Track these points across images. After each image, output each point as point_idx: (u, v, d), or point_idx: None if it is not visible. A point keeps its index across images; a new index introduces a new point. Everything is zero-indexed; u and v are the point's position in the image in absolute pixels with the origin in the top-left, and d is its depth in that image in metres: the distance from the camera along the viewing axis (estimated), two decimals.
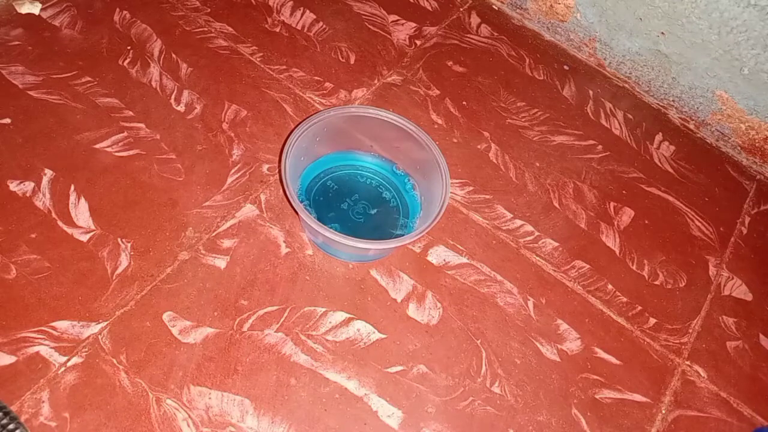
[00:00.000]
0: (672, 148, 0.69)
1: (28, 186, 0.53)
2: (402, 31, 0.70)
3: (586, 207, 0.62)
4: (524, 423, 0.49)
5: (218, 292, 0.50)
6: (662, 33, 0.67)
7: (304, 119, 0.51)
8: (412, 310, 0.52)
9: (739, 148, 0.70)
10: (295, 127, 0.51)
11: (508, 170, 0.62)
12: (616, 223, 0.61)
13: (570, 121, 0.68)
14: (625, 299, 0.57)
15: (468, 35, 0.72)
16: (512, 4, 0.76)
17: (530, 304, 0.55)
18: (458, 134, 0.64)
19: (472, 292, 0.54)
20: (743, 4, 0.59)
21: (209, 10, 0.67)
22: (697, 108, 0.70)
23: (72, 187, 0.53)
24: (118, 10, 0.65)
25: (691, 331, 0.56)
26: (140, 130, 0.57)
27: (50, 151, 0.55)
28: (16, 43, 0.60)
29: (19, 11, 0.62)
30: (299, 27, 0.68)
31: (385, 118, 0.53)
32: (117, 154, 0.56)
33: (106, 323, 0.47)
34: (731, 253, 0.62)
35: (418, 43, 0.70)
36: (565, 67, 0.73)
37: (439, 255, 0.56)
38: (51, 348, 0.46)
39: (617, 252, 0.59)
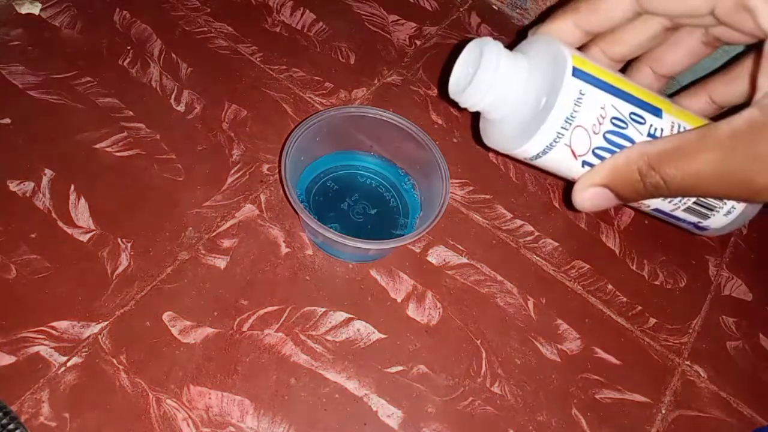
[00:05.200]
0: None
1: (28, 186, 0.53)
2: (402, 31, 0.70)
3: None
4: (524, 423, 0.49)
5: (218, 292, 0.50)
6: None
7: (304, 119, 0.51)
8: (412, 310, 0.52)
9: None
10: (295, 127, 0.51)
11: (508, 170, 0.62)
12: (616, 223, 0.61)
13: None
14: (625, 299, 0.57)
15: (468, 35, 0.72)
16: (512, 4, 0.76)
17: (530, 304, 0.55)
18: (458, 134, 0.64)
19: (472, 292, 0.54)
20: None
21: (209, 10, 0.67)
22: None
23: (72, 187, 0.53)
24: (118, 10, 0.65)
25: (691, 331, 0.56)
26: (140, 130, 0.57)
27: (50, 151, 0.55)
28: (16, 43, 0.60)
29: (19, 11, 0.62)
30: (299, 27, 0.68)
31: (385, 118, 0.53)
32: (117, 154, 0.56)
33: (106, 323, 0.47)
34: (731, 253, 0.62)
35: (418, 43, 0.70)
36: None
37: (439, 255, 0.56)
38: (51, 348, 0.46)
39: (617, 252, 0.59)
